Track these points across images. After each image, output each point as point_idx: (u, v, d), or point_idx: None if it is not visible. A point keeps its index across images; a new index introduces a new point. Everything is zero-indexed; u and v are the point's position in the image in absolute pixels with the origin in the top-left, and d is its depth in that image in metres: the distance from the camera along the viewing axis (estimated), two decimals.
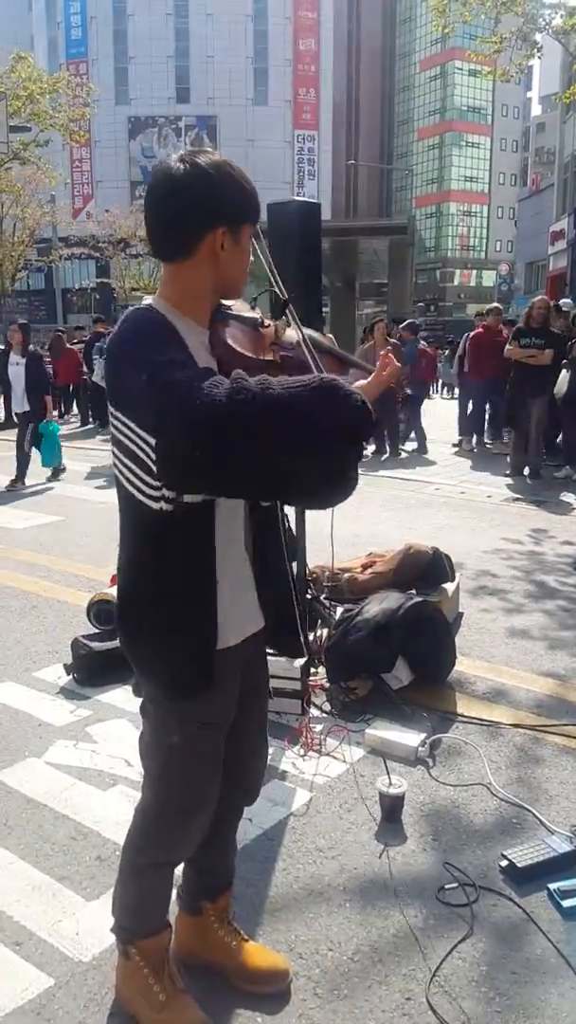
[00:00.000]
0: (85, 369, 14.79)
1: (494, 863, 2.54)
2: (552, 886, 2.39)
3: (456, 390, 14.36)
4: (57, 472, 9.63)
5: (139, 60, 58.51)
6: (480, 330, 11.12)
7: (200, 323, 1.64)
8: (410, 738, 3.21)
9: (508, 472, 9.45)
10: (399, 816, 2.76)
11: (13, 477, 9.04)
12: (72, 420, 16.19)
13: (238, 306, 1.72)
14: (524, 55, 16.03)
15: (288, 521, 1.93)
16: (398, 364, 1.95)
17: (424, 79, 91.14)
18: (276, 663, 3.42)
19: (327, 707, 3.59)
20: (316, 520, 3.83)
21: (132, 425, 1.52)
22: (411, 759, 3.14)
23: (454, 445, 11.82)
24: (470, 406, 11.73)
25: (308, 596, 3.96)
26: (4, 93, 20.48)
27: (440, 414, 14.29)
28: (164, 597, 1.64)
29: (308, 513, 3.95)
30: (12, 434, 9.82)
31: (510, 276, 50.25)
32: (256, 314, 1.71)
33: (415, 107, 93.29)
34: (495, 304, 12.08)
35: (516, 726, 3.44)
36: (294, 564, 3.53)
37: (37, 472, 9.36)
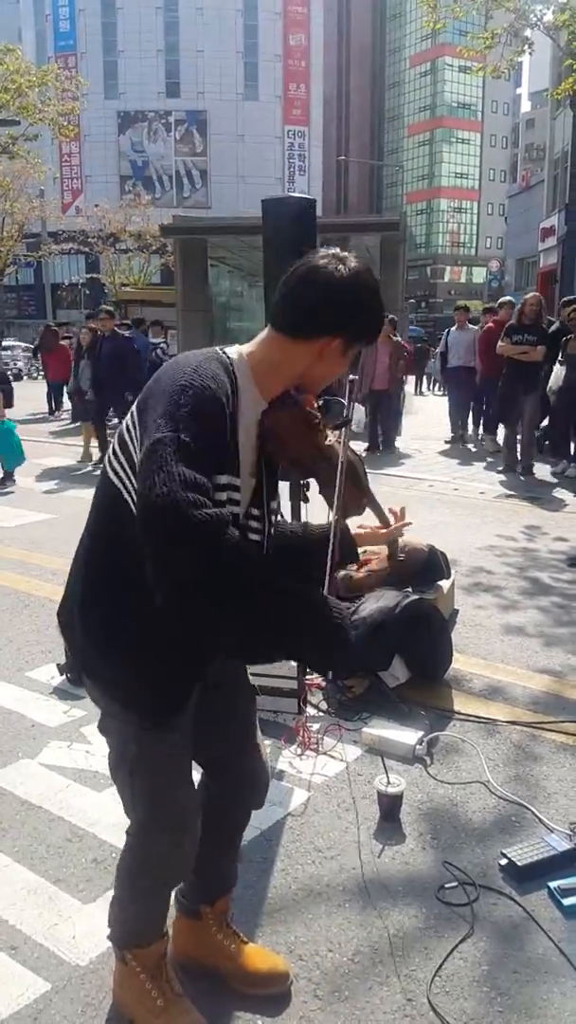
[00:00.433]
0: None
1: (494, 862, 2.53)
2: (552, 884, 2.38)
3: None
4: (8, 477, 9.02)
5: (128, 54, 58.19)
6: (491, 325, 10.74)
7: (264, 395, 1.63)
8: (408, 736, 3.20)
9: (501, 469, 9.45)
10: (397, 815, 2.75)
11: None
12: (64, 416, 16.11)
13: (307, 398, 1.73)
14: (515, 51, 16.03)
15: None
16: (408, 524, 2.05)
17: (414, 75, 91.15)
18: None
19: (324, 706, 3.57)
20: (311, 518, 3.80)
21: (138, 443, 1.49)
22: (409, 757, 3.12)
23: (446, 442, 11.81)
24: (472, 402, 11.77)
25: None
26: None
27: (432, 411, 14.28)
28: (153, 624, 1.54)
29: (302, 510, 3.92)
30: None
31: (500, 273, 50.20)
32: (316, 412, 1.72)
33: (405, 103, 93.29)
34: (507, 297, 11.70)
35: (513, 723, 3.43)
36: None
37: (30, 471, 9.31)
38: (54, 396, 16.82)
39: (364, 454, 10.51)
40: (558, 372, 9.19)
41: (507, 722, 3.44)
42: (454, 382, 11.86)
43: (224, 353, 1.60)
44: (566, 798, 2.89)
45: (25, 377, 29.53)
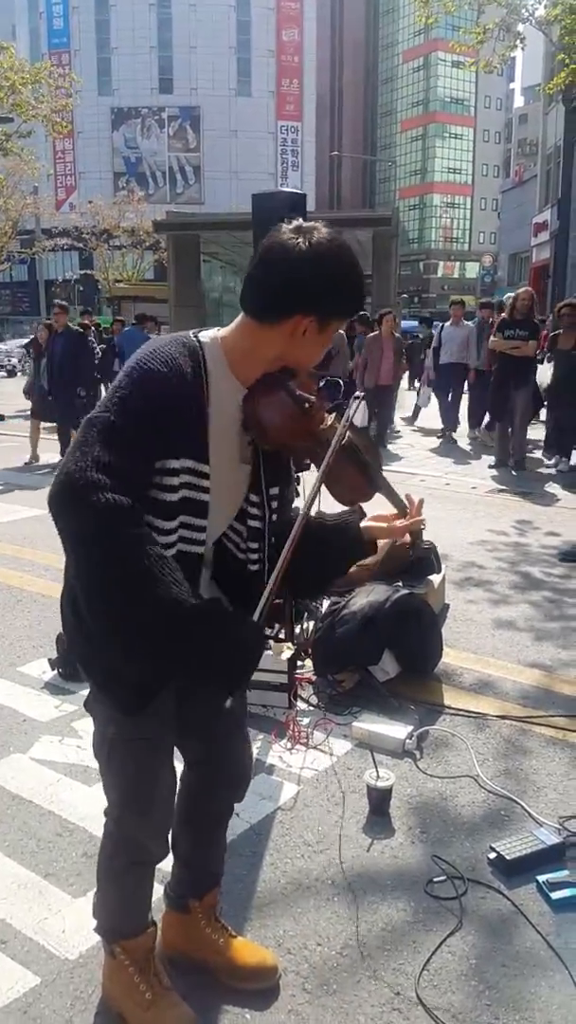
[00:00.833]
0: None
1: (482, 856, 2.54)
2: (541, 878, 2.38)
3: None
4: None
5: (122, 51, 58.07)
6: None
7: (243, 381, 1.60)
8: (397, 731, 3.20)
9: (493, 463, 9.47)
10: (387, 809, 2.75)
11: None
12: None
13: (303, 378, 1.67)
14: (507, 46, 16.03)
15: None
16: (422, 519, 1.84)
17: (407, 70, 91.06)
18: (264, 656, 3.40)
19: (314, 700, 3.57)
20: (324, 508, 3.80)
21: None
22: (398, 752, 3.13)
23: (438, 437, 11.79)
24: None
25: None
26: None
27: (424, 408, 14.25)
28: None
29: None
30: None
31: (493, 268, 50.30)
32: (309, 395, 1.65)
33: (398, 98, 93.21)
34: (526, 288, 11.11)
35: (503, 717, 3.44)
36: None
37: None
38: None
39: None
40: (544, 369, 9.23)
41: (497, 716, 3.45)
42: (446, 379, 11.49)
43: (195, 337, 1.58)
44: (555, 792, 2.89)
45: (19, 373, 29.49)
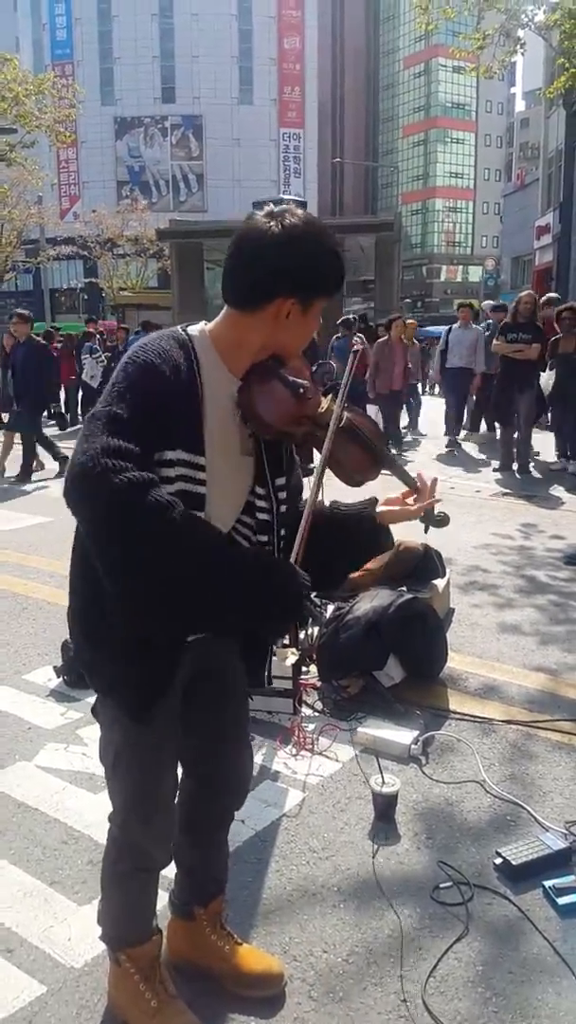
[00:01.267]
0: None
1: (489, 861, 2.53)
2: (547, 883, 2.37)
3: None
4: None
5: (124, 60, 58.37)
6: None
7: (234, 371, 1.60)
8: (403, 736, 3.19)
9: (497, 467, 9.46)
10: (392, 815, 2.74)
11: None
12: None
13: (295, 364, 1.67)
14: (507, 51, 16.04)
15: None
16: (437, 500, 1.85)
17: (408, 76, 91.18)
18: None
19: (319, 706, 3.57)
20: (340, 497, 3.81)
21: None
22: (404, 757, 3.12)
23: (447, 447, 11.24)
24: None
25: None
26: None
27: (425, 412, 14.25)
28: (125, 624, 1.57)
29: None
30: None
31: (496, 272, 50.23)
32: (303, 380, 1.64)
33: (400, 104, 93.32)
34: (528, 291, 10.57)
35: (509, 722, 3.43)
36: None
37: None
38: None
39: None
40: (547, 375, 9.22)
41: (503, 721, 3.44)
42: (453, 383, 11.19)
43: (184, 331, 1.59)
44: (561, 797, 2.88)
45: None
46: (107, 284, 39.98)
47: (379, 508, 1.81)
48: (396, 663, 3.65)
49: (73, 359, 15.14)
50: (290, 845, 2.64)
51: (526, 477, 9.04)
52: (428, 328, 14.67)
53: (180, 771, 1.91)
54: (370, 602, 3.74)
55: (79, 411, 15.30)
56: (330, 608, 3.96)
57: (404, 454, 10.70)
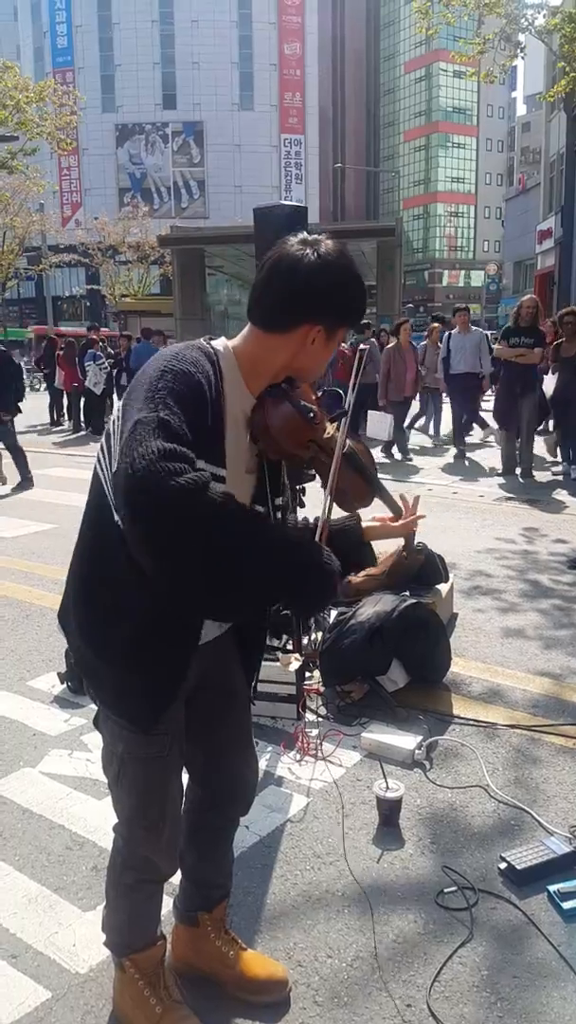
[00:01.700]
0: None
1: (493, 866, 2.53)
2: (552, 888, 2.37)
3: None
4: None
5: (125, 67, 58.67)
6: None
7: (252, 390, 1.63)
8: (406, 741, 3.20)
9: (499, 471, 9.46)
10: (397, 820, 2.74)
11: None
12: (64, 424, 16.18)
13: (304, 389, 1.70)
14: (507, 55, 16.08)
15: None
16: (421, 516, 1.94)
17: (409, 81, 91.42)
18: (272, 668, 3.41)
19: (323, 711, 3.57)
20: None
21: (120, 435, 1.49)
22: (408, 762, 3.12)
23: (455, 456, 10.87)
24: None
25: None
26: None
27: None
28: (133, 631, 1.59)
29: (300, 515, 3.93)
30: None
31: (498, 276, 50.27)
32: (312, 406, 1.67)
33: (400, 109, 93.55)
34: (530, 295, 10.06)
35: (513, 727, 3.43)
36: None
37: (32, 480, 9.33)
38: (55, 407, 16.87)
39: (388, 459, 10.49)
40: (549, 380, 9.23)
41: (506, 726, 3.44)
42: (459, 389, 10.83)
43: (209, 343, 1.60)
44: (566, 801, 2.88)
45: (28, 389, 29.65)
46: (109, 291, 40.11)
47: (365, 524, 1.87)
48: (399, 668, 3.65)
49: (75, 366, 15.18)
50: (294, 850, 2.64)
51: (529, 481, 9.03)
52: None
53: (185, 779, 1.91)
54: (373, 607, 3.74)
55: (82, 418, 15.33)
56: (333, 613, 3.96)
57: (409, 461, 10.69)
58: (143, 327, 16.54)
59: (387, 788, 2.72)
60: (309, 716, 3.52)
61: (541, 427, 10.55)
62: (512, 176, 74.02)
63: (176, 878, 2.00)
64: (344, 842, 2.67)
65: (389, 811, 2.73)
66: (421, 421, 12.87)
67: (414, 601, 3.83)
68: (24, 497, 8.92)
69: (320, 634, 3.90)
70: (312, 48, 62.11)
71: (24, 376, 10.80)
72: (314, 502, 1.84)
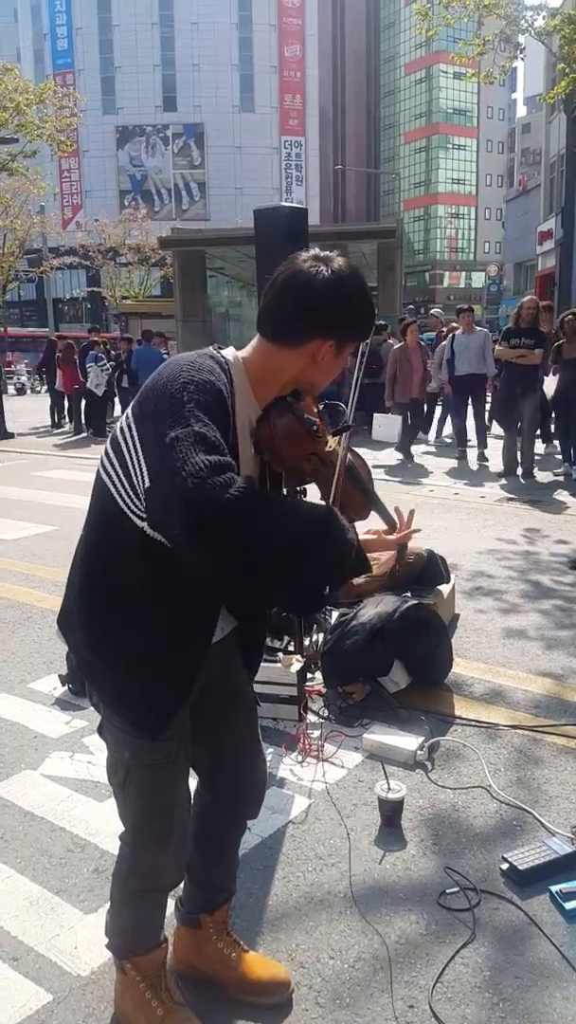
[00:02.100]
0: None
1: (495, 866, 2.52)
2: (554, 888, 2.37)
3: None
4: None
5: (125, 70, 58.73)
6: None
7: (259, 401, 1.64)
8: (408, 742, 3.19)
9: (501, 472, 9.45)
10: (399, 821, 2.74)
11: None
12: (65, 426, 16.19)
13: (307, 402, 1.72)
14: (507, 57, 16.07)
15: None
16: (416, 531, 1.97)
17: (409, 83, 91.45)
18: (273, 669, 3.41)
19: (324, 712, 3.57)
20: None
21: (138, 447, 1.50)
22: (410, 763, 3.12)
23: (456, 458, 10.74)
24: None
25: None
26: None
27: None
28: (144, 636, 1.59)
29: None
30: None
31: (499, 277, 50.27)
32: (315, 418, 1.70)
33: (401, 111, 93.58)
34: (531, 296, 9.99)
35: (514, 727, 3.42)
36: None
37: (32, 483, 9.32)
38: (57, 408, 16.88)
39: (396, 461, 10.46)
40: (550, 380, 9.23)
41: (508, 726, 3.43)
42: (464, 392, 10.57)
43: (219, 352, 1.61)
44: (568, 802, 2.88)
45: (28, 391, 29.74)
46: (110, 293, 40.11)
47: (361, 536, 1.84)
48: (401, 669, 3.65)
49: (75, 368, 15.20)
50: (296, 852, 2.64)
51: (530, 482, 9.03)
52: (430, 334, 14.59)
53: (193, 784, 1.91)
54: (374, 608, 3.74)
55: (83, 420, 15.34)
56: (334, 614, 3.96)
57: (412, 464, 10.66)
58: (144, 329, 16.51)
59: (389, 789, 2.72)
60: (311, 717, 3.52)
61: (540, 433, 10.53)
62: (512, 177, 73.94)
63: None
64: (346, 843, 2.67)
65: (391, 812, 2.73)
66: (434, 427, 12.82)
67: (416, 602, 3.83)
68: (24, 500, 8.92)
69: (321, 635, 3.90)
70: (312, 50, 62.19)
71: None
72: None
